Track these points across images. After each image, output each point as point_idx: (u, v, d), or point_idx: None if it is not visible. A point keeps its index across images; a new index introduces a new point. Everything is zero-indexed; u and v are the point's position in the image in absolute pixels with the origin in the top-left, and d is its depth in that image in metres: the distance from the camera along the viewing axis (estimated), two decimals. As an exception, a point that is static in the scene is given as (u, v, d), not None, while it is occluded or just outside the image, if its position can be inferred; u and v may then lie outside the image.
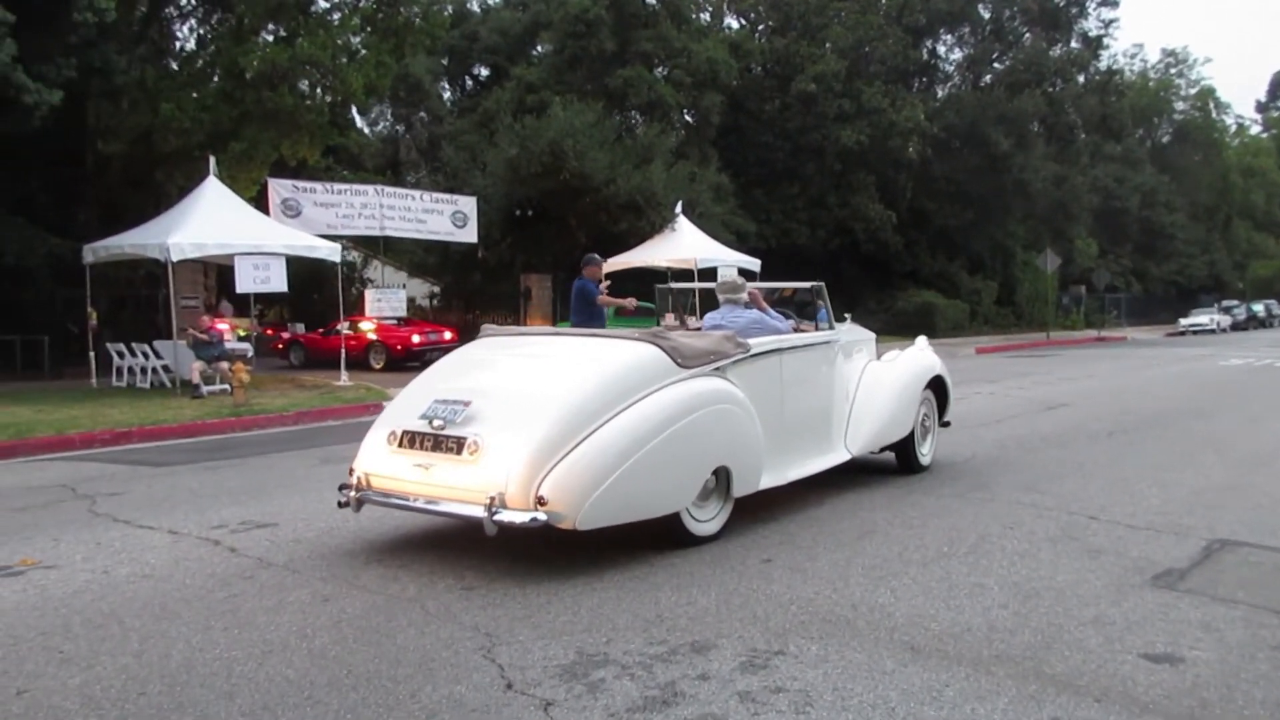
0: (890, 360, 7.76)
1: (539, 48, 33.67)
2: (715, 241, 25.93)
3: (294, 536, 5.65)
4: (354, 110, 35.67)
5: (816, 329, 7.08)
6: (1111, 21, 43.44)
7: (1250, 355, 24.55)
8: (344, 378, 16.48)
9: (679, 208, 25.81)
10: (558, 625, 4.08)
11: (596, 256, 10.26)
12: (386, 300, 20.81)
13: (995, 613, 4.26)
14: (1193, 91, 69.16)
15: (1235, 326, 49.63)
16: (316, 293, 26.62)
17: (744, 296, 6.88)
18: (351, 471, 5.33)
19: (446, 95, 38.58)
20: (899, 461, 7.59)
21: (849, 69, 34.29)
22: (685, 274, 24.66)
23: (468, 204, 23.14)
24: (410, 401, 5.43)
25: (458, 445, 4.92)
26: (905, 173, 37.87)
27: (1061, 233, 44.93)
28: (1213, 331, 45.37)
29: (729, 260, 25.19)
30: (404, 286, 24.29)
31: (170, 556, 5.25)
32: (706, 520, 5.49)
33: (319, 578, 4.81)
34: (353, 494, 5.21)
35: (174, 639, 3.96)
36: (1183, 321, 47.39)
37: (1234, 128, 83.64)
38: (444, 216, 22.55)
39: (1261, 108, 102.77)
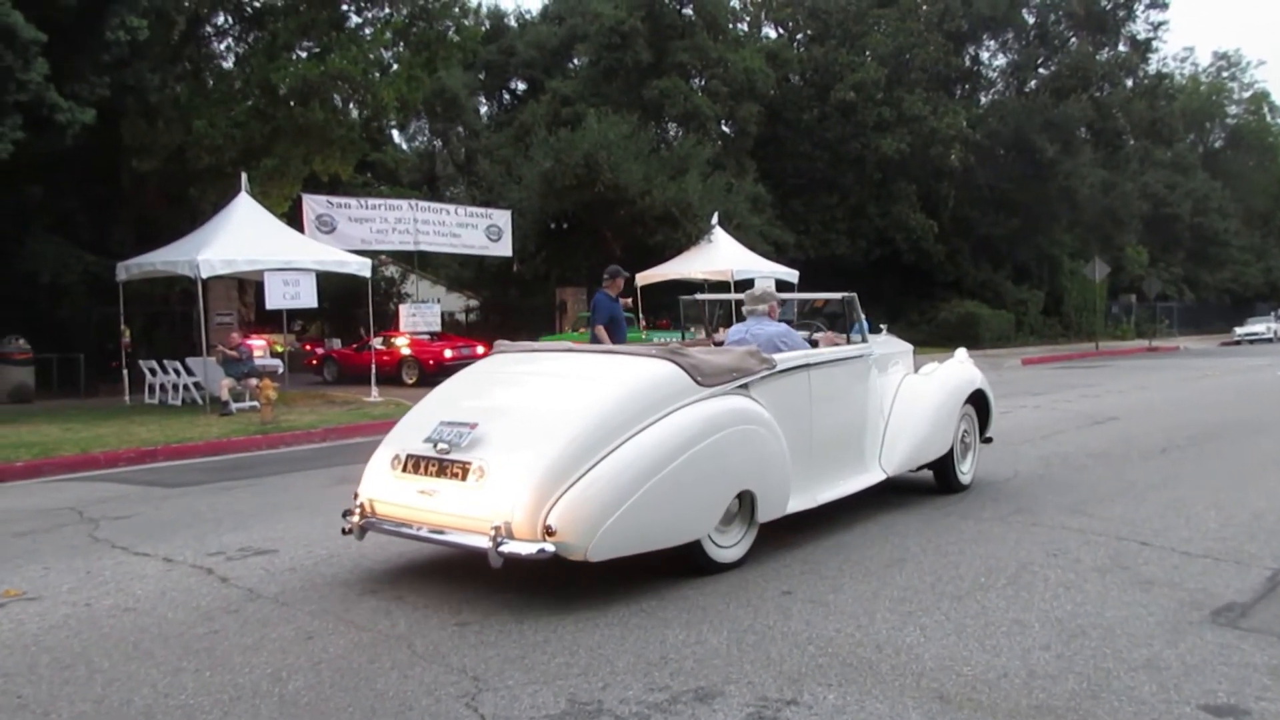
0: (928, 374, 7.35)
1: (575, 61, 33.55)
2: (752, 253, 25.57)
3: (291, 565, 5.38)
4: (391, 125, 35.90)
5: (849, 342, 6.66)
6: (1161, 24, 42.37)
7: (1311, 365, 23.61)
8: (374, 394, 16.32)
9: (715, 219, 25.50)
10: (552, 667, 3.76)
11: (618, 269, 9.95)
12: (421, 315, 20.72)
13: (1036, 655, 3.86)
14: (1246, 95, 67.50)
15: (1293, 335, 48.09)
16: (357, 308, 26.72)
17: (765, 307, 6.49)
18: (356, 497, 5.05)
19: (483, 109, 38.63)
20: (938, 481, 7.16)
21: (889, 77, 33.74)
22: (721, 286, 24.33)
23: (502, 217, 23.03)
24: (416, 423, 5.12)
25: (462, 470, 4.63)
26: (947, 181, 37.15)
27: (1110, 240, 43.83)
28: (1269, 340, 43.98)
29: (765, 272, 24.81)
30: (439, 301, 24.17)
31: (158, 588, 5.00)
32: (729, 547, 5.17)
33: (308, 611, 4.53)
34: (356, 520, 4.95)
35: (140, 682, 3.69)
36: (1238, 330, 46.02)
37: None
38: (478, 230, 22.46)
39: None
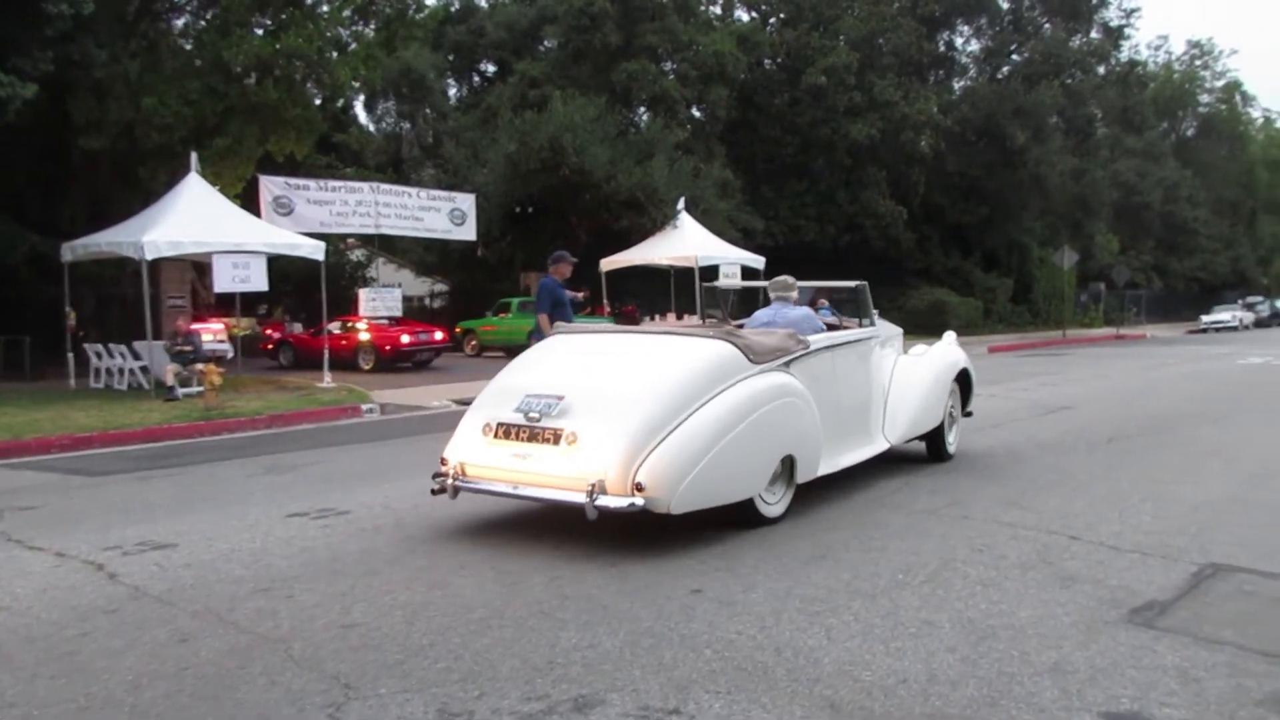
0: (920, 354, 8.21)
1: (545, 43, 33.15)
2: (718, 239, 25.38)
3: (187, 561, 5.16)
4: (358, 106, 35.42)
5: (859, 325, 7.51)
6: (1133, 11, 42.46)
7: (1271, 353, 23.73)
8: (327, 379, 16.04)
9: (681, 204, 25.28)
10: (431, 674, 3.56)
11: (564, 253, 9.72)
12: (381, 299, 20.34)
13: (940, 658, 3.71)
14: (1219, 84, 67.72)
15: (1259, 323, 48.50)
16: (319, 291, 26.34)
17: (794, 295, 7.36)
18: (444, 461, 5.65)
19: (452, 91, 38.17)
20: (929, 450, 7.98)
21: (861, 61, 33.50)
22: (686, 272, 24.16)
23: (466, 201, 22.70)
24: (500, 395, 5.74)
25: (555, 436, 5.26)
26: (918, 168, 37.04)
27: (1080, 228, 43.94)
28: (1235, 329, 44.33)
29: (732, 258, 24.66)
30: (399, 286, 23.82)
31: (40, 584, 4.77)
32: (774, 504, 5.87)
33: (190, 612, 4.31)
34: (449, 481, 5.51)
35: (-13, 691, 3.47)
36: (1204, 319, 46.33)
37: (1260, 121, 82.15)
38: (442, 214, 22.12)
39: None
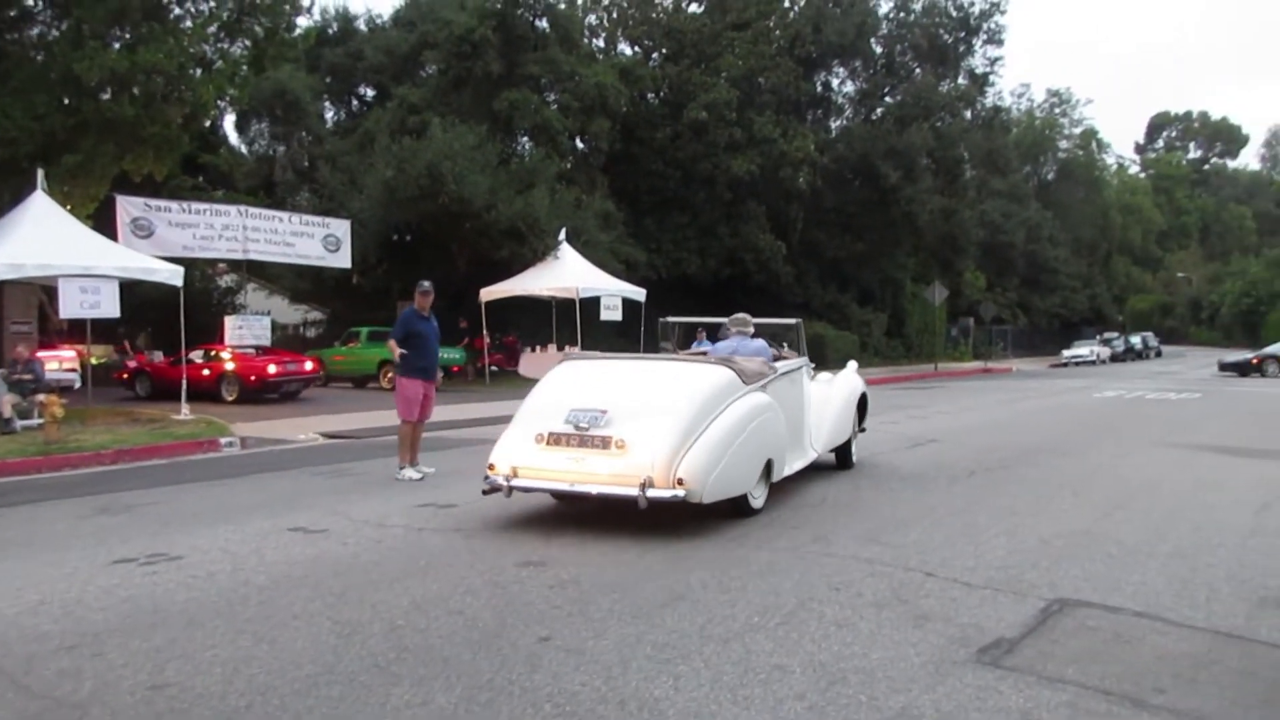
0: (828, 381, 9.79)
1: (426, 69, 32.68)
2: (600, 270, 25.33)
3: (-14, 614, 4.69)
4: (229, 126, 34.19)
5: (796, 356, 9.14)
6: (997, 59, 44.57)
7: (1124, 387, 24.97)
8: (185, 411, 15.22)
9: (563, 235, 25.15)
10: (240, 741, 3.27)
11: (428, 285, 9.46)
12: (249, 327, 19.56)
13: (788, 706, 3.60)
14: (1076, 131, 71.83)
15: (1114, 358, 51.21)
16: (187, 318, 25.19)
17: (751, 329, 8.81)
18: (492, 466, 6.72)
19: (329, 115, 37.20)
20: (838, 461, 9.54)
21: (741, 99, 34.10)
22: (568, 303, 24.01)
23: (340, 227, 22.08)
24: (545, 410, 6.83)
25: (604, 442, 6.43)
26: (796, 203, 37.90)
27: (950, 265, 45.63)
28: (1093, 363, 46.65)
29: (613, 290, 24.64)
30: (269, 314, 22.94)
31: None
32: (758, 498, 7.18)
33: (-22, 674, 3.89)
34: (503, 482, 6.61)
35: None
36: (1065, 353, 48.67)
37: (1114, 167, 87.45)
38: (315, 240, 21.46)
39: (1140, 149, 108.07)
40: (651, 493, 6.14)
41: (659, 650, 4.19)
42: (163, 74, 15.98)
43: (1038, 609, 4.86)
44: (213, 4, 18.04)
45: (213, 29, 17.98)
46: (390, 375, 23.18)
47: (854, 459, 9.72)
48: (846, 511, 7.41)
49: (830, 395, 9.42)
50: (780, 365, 8.12)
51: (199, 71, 17.51)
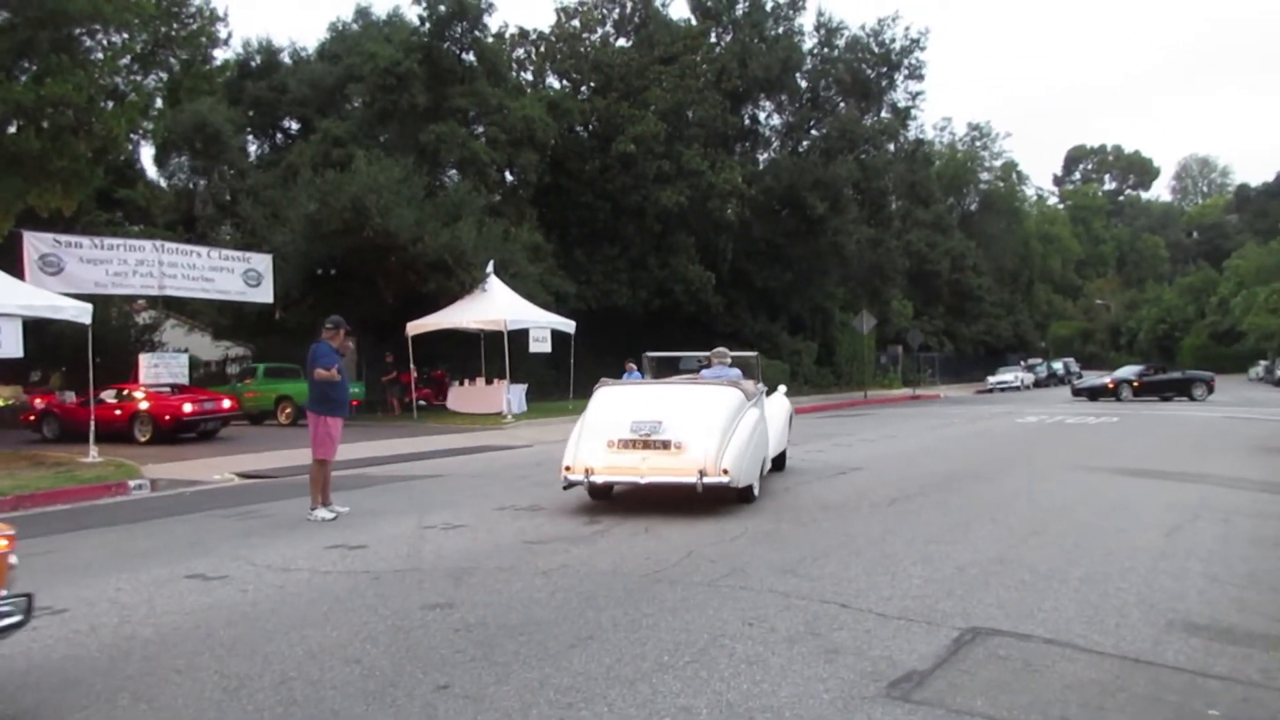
0: (770, 401, 11.57)
1: (351, 102, 32.36)
2: (528, 302, 25.17)
3: None
4: (146, 160, 33.37)
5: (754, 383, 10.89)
6: (918, 94, 45.46)
7: (1044, 412, 25.48)
8: (93, 453, 14.65)
9: (490, 267, 24.95)
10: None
11: (340, 320, 9.25)
12: (165, 365, 19.01)
13: (691, 750, 3.48)
14: (997, 163, 73.73)
15: (1038, 384, 52.42)
16: (99, 357, 24.39)
17: (729, 360, 11.26)
18: (569, 468, 8.67)
19: (252, 148, 36.57)
20: (774, 465, 11.28)
21: (669, 131, 34.36)
22: (496, 335, 23.78)
23: (262, 262, 21.65)
24: (610, 423, 8.75)
25: (664, 445, 8.48)
26: (725, 234, 38.20)
27: (878, 294, 46.35)
28: (1017, 389, 47.63)
29: (541, 322, 24.50)
30: (186, 351, 22.30)
31: None
32: (757, 489, 9.28)
33: None
34: (583, 479, 8.59)
35: None
36: (990, 379, 49.63)
37: (1034, 198, 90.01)
38: (235, 275, 21.00)
39: (1058, 181, 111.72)
40: (706, 480, 8.26)
41: (562, 694, 4.05)
42: (71, 106, 15.57)
43: (950, 639, 4.81)
44: (125, 36, 17.65)
45: (125, 61, 17.60)
46: (288, 411, 22.74)
47: (786, 463, 12.13)
48: (765, 543, 7.34)
49: (773, 413, 11.37)
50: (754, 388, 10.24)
51: (110, 104, 17.09)
